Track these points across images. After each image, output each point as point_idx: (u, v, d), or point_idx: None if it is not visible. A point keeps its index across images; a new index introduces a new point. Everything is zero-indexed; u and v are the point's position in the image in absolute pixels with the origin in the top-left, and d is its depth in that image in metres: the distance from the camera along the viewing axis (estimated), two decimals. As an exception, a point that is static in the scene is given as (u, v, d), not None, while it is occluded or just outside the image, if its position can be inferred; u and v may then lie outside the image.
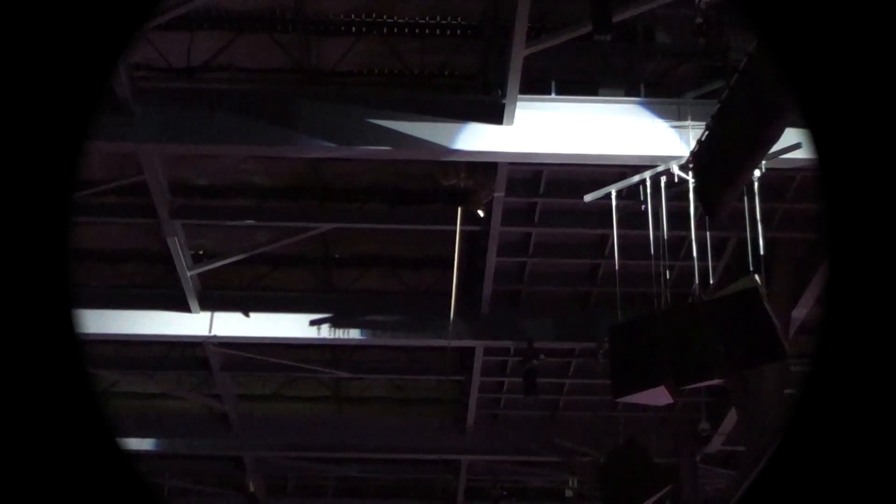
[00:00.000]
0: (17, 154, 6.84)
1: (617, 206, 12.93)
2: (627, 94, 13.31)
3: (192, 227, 15.67)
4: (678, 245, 14.47)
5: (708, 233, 12.45)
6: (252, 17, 13.46)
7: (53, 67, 7.04)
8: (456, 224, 14.92)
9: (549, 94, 13.20)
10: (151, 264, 16.99)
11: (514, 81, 12.23)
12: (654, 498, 14.86)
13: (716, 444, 19.49)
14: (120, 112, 12.67)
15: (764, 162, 11.31)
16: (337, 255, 17.22)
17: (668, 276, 12.99)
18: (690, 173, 12.12)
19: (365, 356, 19.39)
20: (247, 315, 16.95)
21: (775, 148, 11.06)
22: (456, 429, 20.46)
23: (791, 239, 15.20)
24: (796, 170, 13.77)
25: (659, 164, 12.61)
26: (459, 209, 14.72)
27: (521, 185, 14.53)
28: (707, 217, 11.92)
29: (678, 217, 12.65)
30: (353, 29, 13.58)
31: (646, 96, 13.27)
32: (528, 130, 12.90)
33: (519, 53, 11.84)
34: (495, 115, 12.80)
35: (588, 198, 13.20)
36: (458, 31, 13.60)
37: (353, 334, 17.16)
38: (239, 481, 23.00)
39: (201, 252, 16.49)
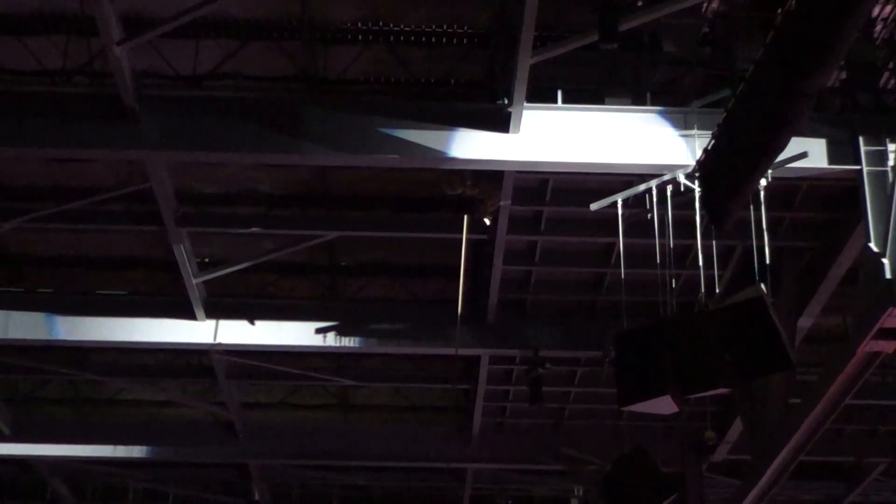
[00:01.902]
0: None
1: (623, 214, 12.94)
2: (634, 103, 13.32)
3: (198, 234, 15.69)
4: (684, 254, 14.48)
5: (714, 241, 12.46)
6: (258, 25, 13.49)
7: None
8: (462, 232, 14.91)
9: (556, 102, 13.22)
10: (157, 272, 17.02)
11: (520, 90, 12.24)
12: (660, 507, 14.86)
13: (721, 453, 19.47)
14: (126, 120, 12.71)
15: (770, 171, 11.32)
16: (343, 263, 17.24)
17: (674, 285, 13.00)
18: (697, 182, 12.13)
19: (370, 364, 19.40)
20: (252, 323, 16.95)
21: (781, 157, 11.07)
22: (461, 437, 20.46)
23: (797, 248, 15.20)
24: (802, 179, 13.78)
25: (665, 172, 12.63)
26: (466, 217, 14.72)
27: (527, 194, 14.53)
28: (713, 226, 11.92)
29: (684, 226, 12.67)
30: (360, 37, 13.61)
31: (652, 105, 13.28)
32: (534, 139, 12.91)
33: (525, 62, 11.84)
34: (501, 123, 12.81)
35: (594, 206, 13.21)
36: (465, 40, 13.63)
37: (359, 342, 17.15)
38: (244, 489, 23.03)
39: (207, 260, 16.51)
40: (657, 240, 12.53)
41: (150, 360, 19.26)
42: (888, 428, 20.11)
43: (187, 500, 23.74)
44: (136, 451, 20.76)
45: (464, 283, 15.30)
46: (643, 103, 13.33)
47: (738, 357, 11.02)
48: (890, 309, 11.83)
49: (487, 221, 14.64)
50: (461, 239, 14.95)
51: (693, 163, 12.25)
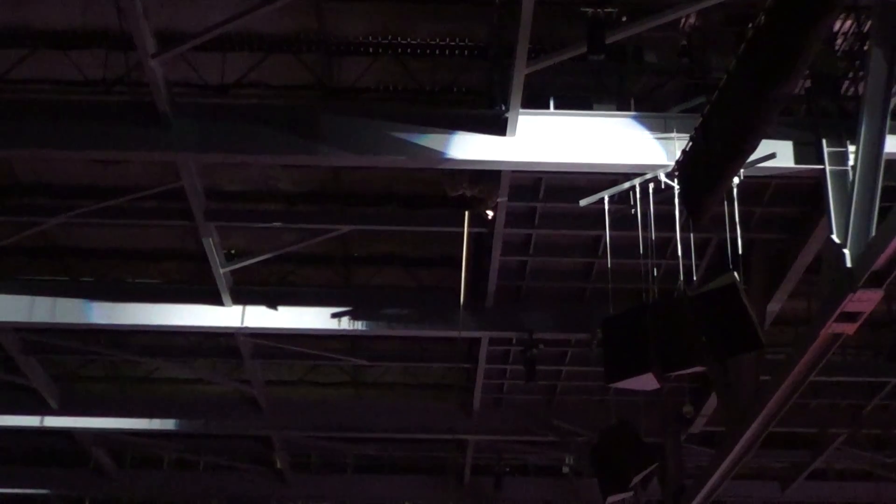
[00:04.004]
0: None
1: (609, 209, 12.92)
2: (619, 109, 13.27)
3: (225, 228, 15.67)
4: (664, 245, 14.44)
5: (691, 234, 12.42)
6: (279, 39, 13.46)
7: None
8: (464, 227, 14.89)
9: (548, 108, 13.16)
10: (188, 262, 17.01)
11: (516, 97, 12.21)
12: (643, 474, 14.83)
13: (698, 425, 19.46)
14: (160, 125, 12.69)
15: (742, 170, 11.29)
16: (356, 255, 17.22)
17: (655, 274, 12.97)
18: (676, 180, 12.09)
19: (381, 345, 19.38)
20: (274, 308, 16.92)
21: (752, 157, 11.04)
22: (463, 411, 20.44)
23: (766, 239, 15.17)
24: (771, 177, 13.75)
25: (647, 172, 12.59)
26: (467, 213, 14.68)
27: (522, 191, 14.50)
28: (691, 220, 11.90)
29: (664, 220, 12.63)
30: (371, 50, 13.57)
31: (635, 111, 13.23)
32: (529, 141, 12.88)
33: (521, 72, 11.82)
34: (499, 127, 12.77)
35: (583, 202, 13.18)
36: (466, 52, 13.59)
37: (371, 326, 17.13)
38: (267, 458, 23.05)
39: (233, 251, 16.50)
40: (640, 233, 12.51)
41: (182, 341, 19.26)
42: (848, 402, 20.11)
43: (216, 467, 23.75)
44: (169, 424, 20.77)
45: (465, 272, 15.27)
46: (627, 109, 13.28)
47: (714, 338, 11.00)
48: (850, 294, 11.80)
49: (490, 214, 14.53)
50: (463, 232, 14.93)
51: (672, 163, 12.20)
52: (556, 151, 12.94)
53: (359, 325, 17.06)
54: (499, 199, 14.11)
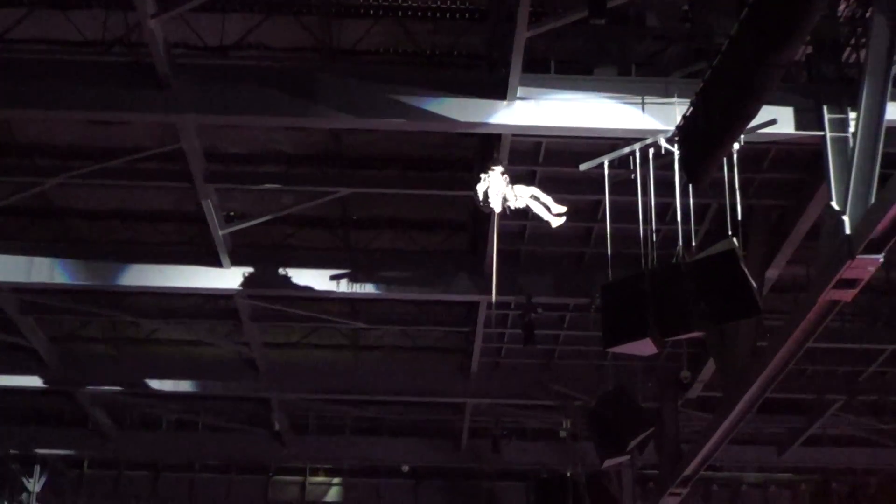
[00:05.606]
0: None
1: (609, 174, 12.90)
2: (620, 74, 13.25)
3: (225, 190, 15.67)
4: (664, 211, 14.45)
5: (691, 200, 12.42)
6: (279, 0, 13.41)
7: None
8: (462, 189, 14.83)
9: (549, 73, 13.14)
10: (188, 224, 17.01)
11: (516, 61, 12.19)
12: (639, 438, 14.94)
13: (695, 391, 19.54)
14: (160, 86, 12.67)
15: (742, 136, 11.28)
16: (355, 217, 17.21)
17: (654, 239, 12.98)
18: (676, 146, 12.08)
19: (380, 308, 19.40)
20: (273, 271, 16.95)
21: (753, 123, 11.03)
22: (461, 375, 20.52)
23: (766, 206, 15.18)
24: (771, 143, 13.74)
25: (647, 137, 12.57)
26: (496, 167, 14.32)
27: (522, 155, 14.48)
28: (690, 185, 11.90)
29: (664, 185, 12.62)
30: (371, 12, 13.54)
31: (636, 75, 13.21)
32: (529, 106, 12.86)
33: (521, 35, 11.79)
34: (499, 91, 12.75)
35: (583, 167, 13.17)
36: (466, 15, 13.55)
37: (369, 289, 17.16)
38: (266, 420, 23.12)
39: (232, 213, 16.49)
40: (640, 198, 12.51)
41: (181, 303, 19.28)
42: (845, 369, 20.18)
43: (214, 429, 23.86)
44: (168, 385, 20.86)
45: (496, 235, 14.87)
46: (628, 74, 13.26)
47: (712, 304, 11.04)
48: (848, 261, 11.82)
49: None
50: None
51: (673, 128, 12.19)
52: (557, 116, 12.93)
53: (358, 288, 17.08)
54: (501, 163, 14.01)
